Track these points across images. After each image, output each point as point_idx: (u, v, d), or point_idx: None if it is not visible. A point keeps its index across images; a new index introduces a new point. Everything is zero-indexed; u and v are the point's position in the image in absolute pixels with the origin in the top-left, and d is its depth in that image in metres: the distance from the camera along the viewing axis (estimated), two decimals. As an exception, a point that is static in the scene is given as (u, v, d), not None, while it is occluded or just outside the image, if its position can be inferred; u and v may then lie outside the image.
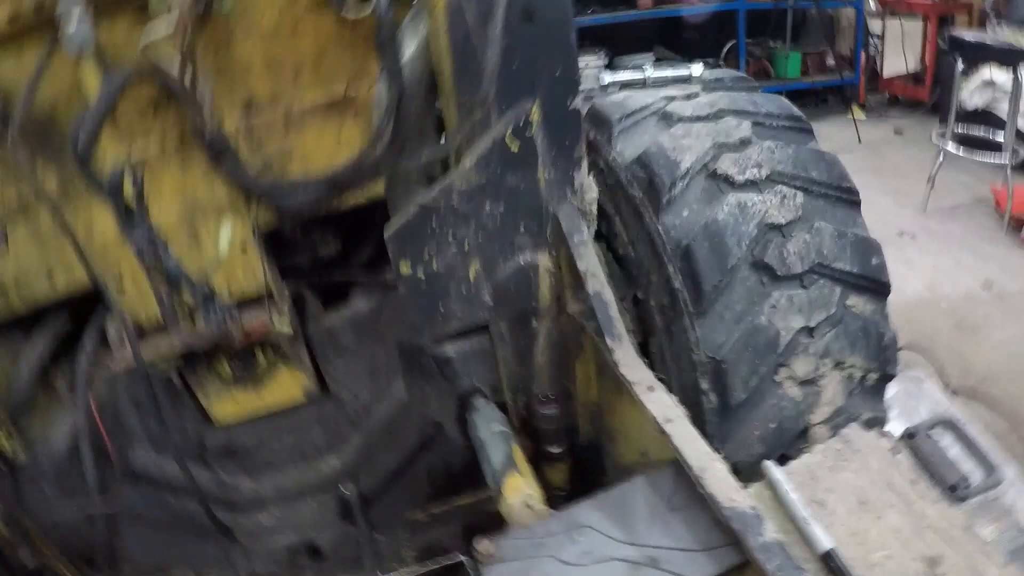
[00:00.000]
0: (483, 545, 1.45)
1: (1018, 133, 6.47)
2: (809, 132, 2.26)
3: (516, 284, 1.93)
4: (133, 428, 2.32)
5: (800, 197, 2.02)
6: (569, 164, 1.88)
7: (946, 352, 4.74)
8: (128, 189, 1.82)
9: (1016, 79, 6.21)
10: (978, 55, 7.20)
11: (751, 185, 2.02)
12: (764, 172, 2.04)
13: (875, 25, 10.06)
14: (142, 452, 2.36)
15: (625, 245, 2.13)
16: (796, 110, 2.31)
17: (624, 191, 2.09)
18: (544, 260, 1.91)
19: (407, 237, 1.82)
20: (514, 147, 1.79)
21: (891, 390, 2.11)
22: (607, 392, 1.90)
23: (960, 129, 6.92)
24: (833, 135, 8.63)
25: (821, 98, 9.89)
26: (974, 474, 2.63)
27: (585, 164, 1.92)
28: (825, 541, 1.34)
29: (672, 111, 2.18)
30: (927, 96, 9.30)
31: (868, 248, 2.03)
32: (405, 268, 1.87)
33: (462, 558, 2.38)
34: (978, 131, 6.88)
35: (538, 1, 1.74)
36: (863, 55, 9.73)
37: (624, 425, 1.82)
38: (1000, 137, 6.57)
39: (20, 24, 1.67)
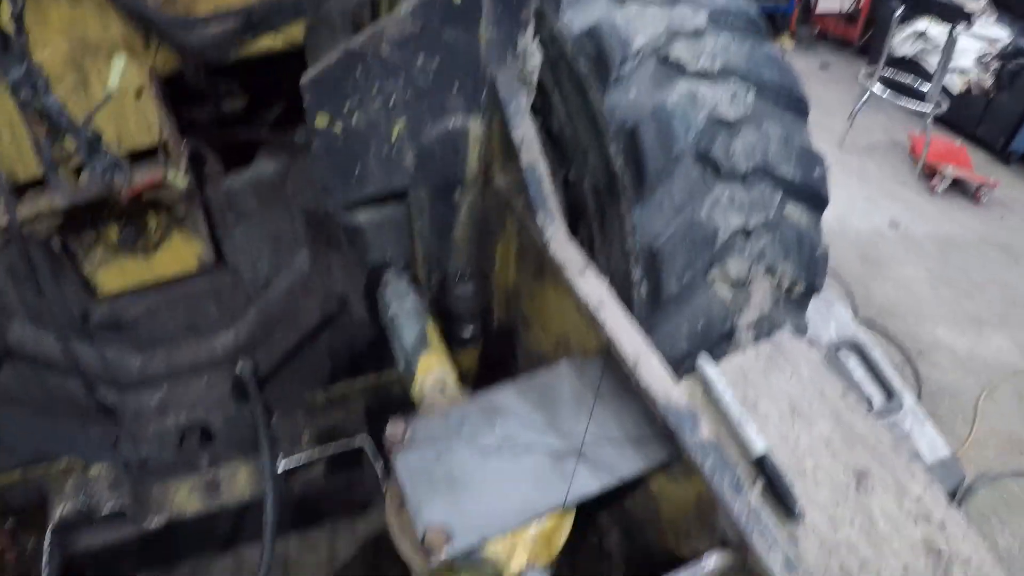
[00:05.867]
0: (395, 427, 1.33)
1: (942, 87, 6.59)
2: (764, 34, 2.15)
3: (442, 149, 1.76)
4: (9, 300, 2.07)
5: (751, 96, 1.92)
6: (514, 25, 1.71)
7: (850, 282, 4.85)
8: (4, 16, 1.52)
9: (951, 35, 6.25)
10: (918, 5, 7.25)
11: (703, 76, 1.91)
12: (717, 64, 1.93)
13: (816, -42, 10.01)
14: (19, 327, 2.12)
15: (561, 122, 1.99)
16: (753, 10, 2.19)
17: (568, 64, 1.94)
18: (475, 126, 1.75)
19: (328, 86, 1.62)
20: (457, -4, 1.61)
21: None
22: (528, 274, 1.78)
23: (887, 73, 6.97)
24: (761, 63, 8.58)
25: (753, 24, 9.78)
26: (876, 397, 2.69)
27: (531, 28, 1.75)
28: (759, 444, 1.28)
29: (627, -12, 2.03)
30: (857, 36, 9.36)
31: (812, 159, 1.96)
32: (322, 121, 1.67)
33: (364, 443, 2.27)
34: (905, 78, 6.94)
35: None
36: (801, -14, 9.69)
37: (544, 310, 1.72)
38: (925, 87, 6.65)
39: None
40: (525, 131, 1.69)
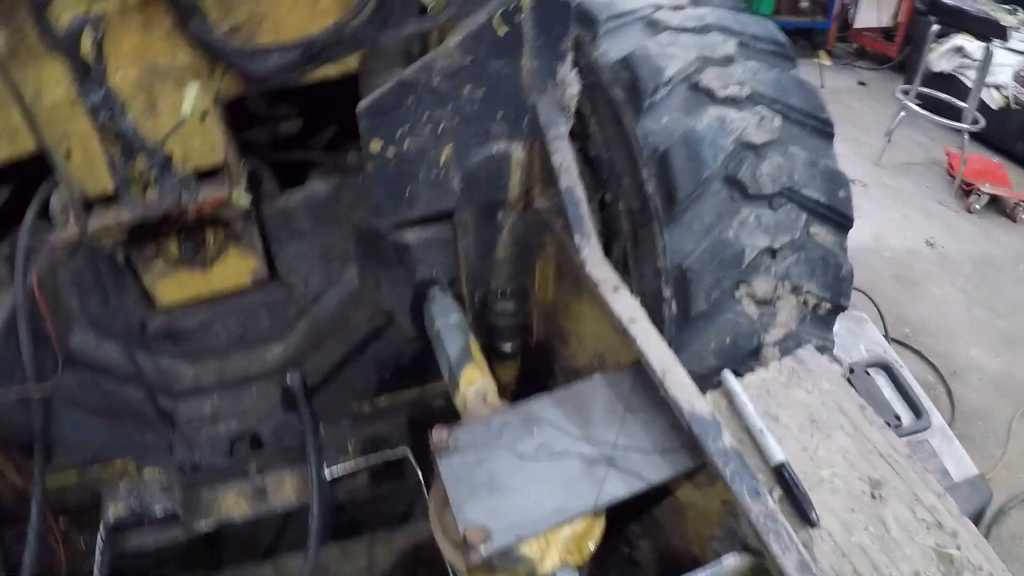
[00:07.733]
0: (440, 433, 1.43)
1: (980, 103, 6.57)
2: (792, 60, 2.23)
3: (486, 173, 1.87)
4: (73, 308, 2.20)
5: (778, 120, 2.01)
6: (554, 55, 1.81)
7: (885, 300, 4.87)
8: (86, 45, 1.63)
9: (987, 51, 6.25)
10: (954, 21, 7.25)
11: (732, 102, 2.00)
12: (745, 91, 2.02)
13: (853, -26, 10.03)
14: (81, 335, 2.25)
15: (598, 146, 2.10)
16: (781, 36, 2.28)
17: (604, 92, 2.04)
18: (518, 151, 1.86)
19: (381, 113, 1.74)
20: (501, 31, 1.72)
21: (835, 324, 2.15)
22: (565, 292, 1.88)
23: (924, 89, 6.97)
24: (798, 79, 8.64)
25: (790, 39, 9.85)
26: (904, 416, 2.74)
27: (569, 58, 1.85)
28: (778, 453, 1.36)
29: (659, 19, 2.13)
30: (895, 52, 9.35)
31: (837, 180, 2.04)
32: (375, 146, 1.79)
33: (407, 452, 2.37)
34: (942, 95, 6.94)
35: None
36: (837, 2, 9.71)
37: (580, 326, 1.81)
38: (962, 103, 6.64)
39: None
40: (564, 156, 1.80)
